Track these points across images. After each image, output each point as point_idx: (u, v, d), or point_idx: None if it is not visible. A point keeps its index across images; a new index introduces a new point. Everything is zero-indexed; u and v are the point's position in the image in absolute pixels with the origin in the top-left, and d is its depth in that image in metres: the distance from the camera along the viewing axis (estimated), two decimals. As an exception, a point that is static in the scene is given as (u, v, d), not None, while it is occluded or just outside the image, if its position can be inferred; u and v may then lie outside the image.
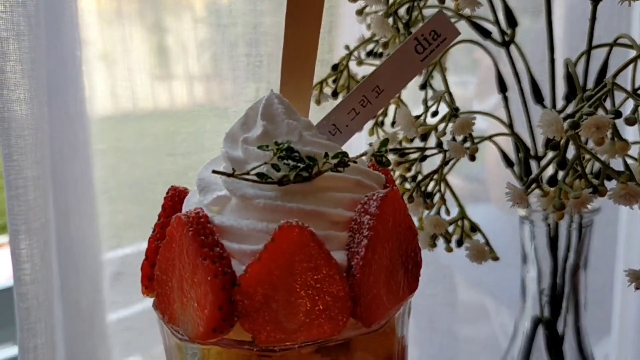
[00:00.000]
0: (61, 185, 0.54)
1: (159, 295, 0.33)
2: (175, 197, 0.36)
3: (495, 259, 0.50)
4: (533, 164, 0.53)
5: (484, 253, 0.49)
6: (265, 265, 0.29)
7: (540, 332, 0.58)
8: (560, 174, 0.39)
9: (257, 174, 0.31)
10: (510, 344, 0.60)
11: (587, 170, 0.43)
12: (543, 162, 0.42)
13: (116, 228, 0.64)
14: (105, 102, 0.64)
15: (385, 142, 0.32)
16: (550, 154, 0.46)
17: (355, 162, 0.33)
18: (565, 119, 0.38)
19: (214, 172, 0.32)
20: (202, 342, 0.31)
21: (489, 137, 0.50)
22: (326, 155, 0.32)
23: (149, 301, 0.69)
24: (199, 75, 0.75)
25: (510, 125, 0.52)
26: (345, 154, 0.32)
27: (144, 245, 0.36)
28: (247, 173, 0.32)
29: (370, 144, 0.43)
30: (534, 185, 0.41)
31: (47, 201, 0.46)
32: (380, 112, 0.53)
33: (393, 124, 0.49)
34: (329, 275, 0.30)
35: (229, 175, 0.31)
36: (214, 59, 0.72)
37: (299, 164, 0.31)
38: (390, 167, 0.44)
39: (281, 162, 0.31)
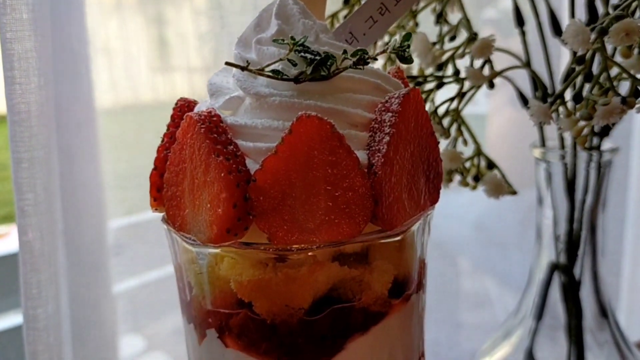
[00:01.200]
0: (64, 125, 0.53)
1: (169, 203, 0.32)
2: (184, 108, 0.34)
3: (513, 193, 0.49)
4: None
5: (502, 187, 0.48)
6: (282, 159, 0.28)
7: (556, 279, 0.57)
8: (586, 89, 0.38)
9: (273, 71, 0.30)
10: (525, 292, 0.59)
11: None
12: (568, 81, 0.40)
13: (121, 178, 0.63)
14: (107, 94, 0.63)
15: (407, 36, 0.31)
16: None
17: (375, 59, 0.31)
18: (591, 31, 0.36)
19: (227, 63, 0.30)
20: (215, 245, 0.29)
21: (505, 70, 0.48)
22: (344, 52, 0.31)
23: (150, 263, 0.68)
24: (199, 67, 0.74)
25: (527, 63, 0.51)
26: (365, 51, 0.30)
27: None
28: (262, 70, 0.30)
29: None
30: (558, 102, 0.39)
31: (50, 131, 0.44)
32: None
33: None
34: (349, 170, 0.28)
35: (242, 68, 0.30)
36: (215, 51, 0.70)
37: (317, 57, 0.29)
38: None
39: (297, 56, 0.29)
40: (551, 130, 0.57)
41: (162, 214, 0.34)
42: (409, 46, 0.30)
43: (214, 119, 0.30)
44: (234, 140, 0.30)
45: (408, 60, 0.30)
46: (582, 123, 0.40)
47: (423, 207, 0.32)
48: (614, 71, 0.37)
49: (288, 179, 0.28)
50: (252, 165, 0.29)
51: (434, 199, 0.33)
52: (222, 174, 0.28)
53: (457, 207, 1.05)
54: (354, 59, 0.30)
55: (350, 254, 0.31)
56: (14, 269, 0.55)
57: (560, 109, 0.39)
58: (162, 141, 0.34)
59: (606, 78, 0.36)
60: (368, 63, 0.30)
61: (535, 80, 0.50)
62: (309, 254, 0.29)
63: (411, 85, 0.45)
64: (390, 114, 0.29)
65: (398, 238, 0.31)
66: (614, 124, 0.52)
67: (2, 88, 0.42)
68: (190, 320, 0.34)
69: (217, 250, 0.30)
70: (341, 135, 0.28)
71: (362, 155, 0.29)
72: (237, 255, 0.31)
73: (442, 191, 0.34)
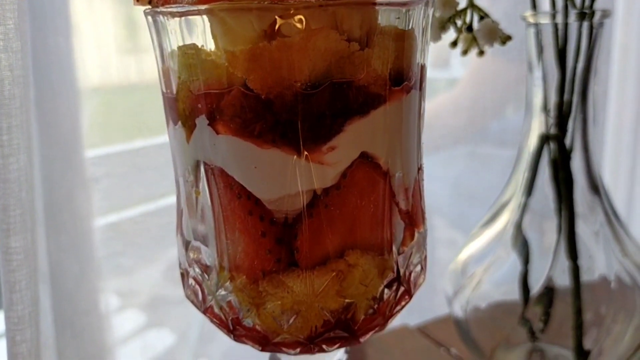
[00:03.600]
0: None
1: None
2: None
3: (507, 39, 0.47)
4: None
5: (495, 32, 0.46)
6: None
7: (545, 156, 0.56)
8: None
9: None
10: (515, 167, 0.58)
11: None
12: None
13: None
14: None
15: None
16: None
17: None
18: None
19: None
20: (206, 1, 0.27)
21: None
22: None
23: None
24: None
25: None
26: None
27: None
28: None
29: None
30: None
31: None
32: None
33: None
34: None
35: None
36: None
37: None
38: None
39: None
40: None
41: (145, 8, 0.32)
42: None
43: None
44: None
45: None
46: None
47: (425, -11, 0.31)
48: None
49: None
50: None
51: (435, -15, 0.32)
52: None
53: (436, 166, 1.04)
54: None
55: (351, 35, 0.29)
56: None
57: None
58: None
59: None
60: None
61: None
62: (306, 12, 0.27)
63: None
64: None
65: (393, 17, 0.29)
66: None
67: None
68: (176, 121, 0.32)
69: (206, 18, 0.28)
70: None
71: None
72: (226, 26, 0.29)
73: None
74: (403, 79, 0.31)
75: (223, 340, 0.78)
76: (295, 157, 0.29)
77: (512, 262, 0.57)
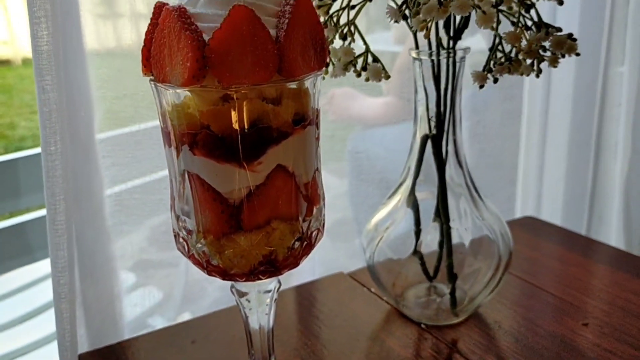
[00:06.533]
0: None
1: (155, 65, 0.51)
2: (160, 9, 0.53)
3: (387, 77, 0.70)
4: None
5: (379, 73, 0.69)
6: (224, 31, 0.47)
7: (429, 147, 0.79)
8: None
9: (217, -20, 0.49)
10: (408, 158, 0.81)
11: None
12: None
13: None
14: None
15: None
16: None
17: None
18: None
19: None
20: (186, 87, 0.49)
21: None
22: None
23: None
24: (145, 13, 0.82)
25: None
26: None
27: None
28: (211, -20, 0.49)
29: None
30: (404, 7, 0.60)
31: None
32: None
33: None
34: (264, 39, 0.48)
35: (197, -22, 0.49)
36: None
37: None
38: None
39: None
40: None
41: (150, 78, 0.53)
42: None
43: (182, 9, 0.49)
44: (195, 23, 0.49)
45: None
46: (427, 18, 0.60)
47: (313, 68, 0.53)
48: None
49: (228, 43, 0.48)
50: (206, 38, 0.48)
51: (320, 65, 0.54)
52: (189, 42, 0.47)
53: (395, 140, 1.27)
54: (268, -26, 0.49)
55: (269, 98, 0.51)
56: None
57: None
58: (148, 29, 0.53)
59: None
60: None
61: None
62: (242, 91, 0.49)
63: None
64: (289, 7, 0.49)
65: (294, 86, 0.51)
66: (463, 29, 0.73)
67: None
68: (170, 145, 0.54)
69: (187, 92, 0.50)
70: (258, 17, 0.48)
71: (272, 31, 0.49)
72: (198, 96, 0.51)
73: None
74: (302, 120, 0.54)
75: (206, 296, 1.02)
76: (239, 168, 0.52)
77: (406, 220, 0.81)
